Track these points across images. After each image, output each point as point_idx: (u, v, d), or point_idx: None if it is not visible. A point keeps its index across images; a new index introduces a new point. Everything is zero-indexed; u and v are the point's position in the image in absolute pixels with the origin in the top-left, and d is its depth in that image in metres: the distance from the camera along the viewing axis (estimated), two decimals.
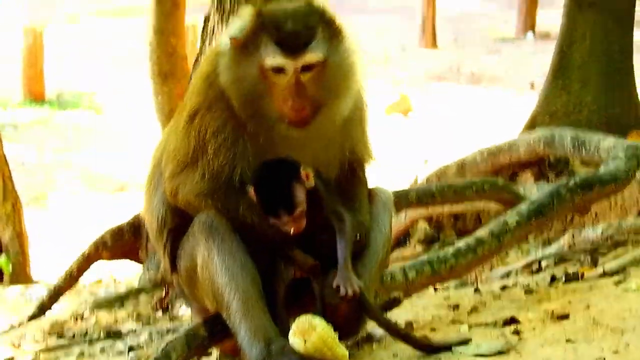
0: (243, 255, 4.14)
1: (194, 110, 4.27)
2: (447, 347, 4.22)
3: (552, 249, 6.34)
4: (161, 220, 4.48)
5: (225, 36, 4.30)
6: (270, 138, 4.23)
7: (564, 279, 5.23)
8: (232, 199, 4.20)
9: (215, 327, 4.30)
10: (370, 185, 4.52)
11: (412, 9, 26.92)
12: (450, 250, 4.89)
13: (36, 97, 21.21)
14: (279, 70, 4.07)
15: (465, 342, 4.24)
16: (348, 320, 4.19)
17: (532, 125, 9.62)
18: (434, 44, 25.84)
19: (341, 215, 4.21)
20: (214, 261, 4.13)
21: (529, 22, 26.17)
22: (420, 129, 19.79)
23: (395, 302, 4.67)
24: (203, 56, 6.72)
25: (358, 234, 4.25)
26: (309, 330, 3.98)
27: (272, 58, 4.06)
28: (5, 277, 10.26)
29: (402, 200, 5.68)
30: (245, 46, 4.13)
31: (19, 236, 10.56)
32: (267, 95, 4.14)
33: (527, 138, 7.57)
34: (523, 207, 5.02)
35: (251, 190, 4.13)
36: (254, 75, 4.12)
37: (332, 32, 4.18)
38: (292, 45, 4.06)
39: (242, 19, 4.21)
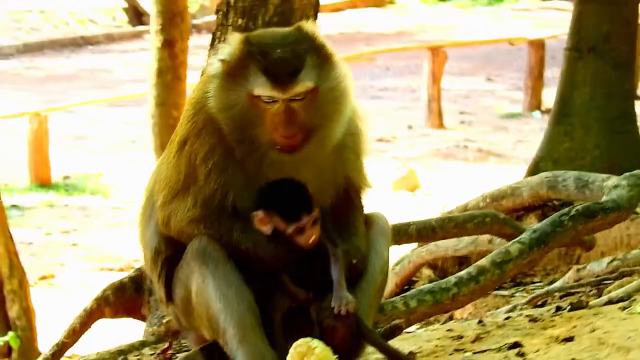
0: (238, 281, 4.09)
1: (184, 138, 4.26)
2: None
3: (557, 284, 6.28)
4: (155, 251, 4.42)
5: (214, 62, 4.29)
6: (261, 163, 4.19)
7: (569, 308, 5.16)
8: (225, 225, 4.16)
9: (212, 354, 4.25)
10: (367, 211, 4.48)
11: (418, 90, 27.03)
12: (452, 279, 4.84)
13: (42, 182, 21.20)
14: (269, 100, 4.06)
15: None
16: (346, 344, 4.11)
17: (534, 171, 9.59)
18: (440, 124, 25.85)
19: (334, 241, 4.19)
20: (208, 288, 4.07)
21: (535, 101, 26.25)
22: (427, 205, 19.69)
23: (396, 330, 4.60)
24: None
25: (354, 259, 4.21)
26: (307, 353, 3.92)
27: (261, 89, 4.04)
28: (14, 354, 10.29)
29: (402, 233, 5.64)
30: (233, 73, 4.11)
31: (27, 312, 10.57)
32: (257, 122, 4.11)
33: (530, 181, 7.49)
34: (525, 235, 4.96)
35: (259, 213, 4.12)
36: (243, 103, 4.10)
37: (322, 58, 4.15)
38: (281, 75, 4.03)
39: (230, 45, 4.20)
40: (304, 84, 4.05)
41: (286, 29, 4.27)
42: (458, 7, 39.36)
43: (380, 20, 37.23)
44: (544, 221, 5.06)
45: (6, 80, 23.54)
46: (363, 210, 4.45)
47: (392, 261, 5.24)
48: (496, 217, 5.74)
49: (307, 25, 4.21)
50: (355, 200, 4.42)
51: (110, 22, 21.41)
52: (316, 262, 4.16)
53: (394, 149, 23.92)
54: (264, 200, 4.13)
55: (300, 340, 3.97)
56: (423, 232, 5.66)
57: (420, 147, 24.61)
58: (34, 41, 20.21)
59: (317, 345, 3.93)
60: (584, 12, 9.14)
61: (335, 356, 3.98)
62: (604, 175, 6.34)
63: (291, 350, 3.96)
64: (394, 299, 4.78)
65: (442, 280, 4.88)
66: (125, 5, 24.62)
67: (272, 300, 4.20)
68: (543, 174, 7.59)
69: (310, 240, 4.09)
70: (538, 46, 25.28)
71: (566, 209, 5.08)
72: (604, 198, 5.29)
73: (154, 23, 13.69)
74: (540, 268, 7.81)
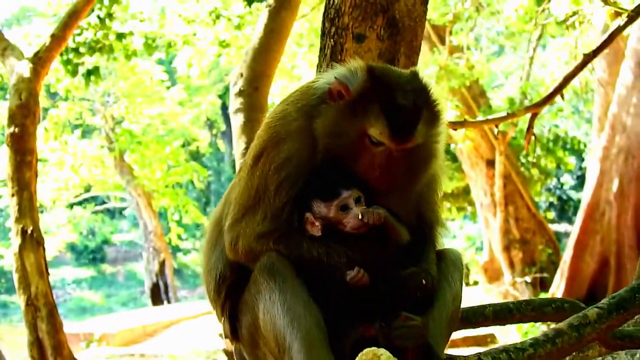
0: (306, 297, 4.03)
1: (260, 150, 4.27)
2: None
3: None
4: (220, 278, 4.40)
5: (327, 79, 4.30)
6: None
7: None
8: (294, 238, 4.13)
9: None
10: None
11: None
12: (528, 340, 4.69)
13: None
14: (378, 143, 4.11)
15: None
16: None
17: None
18: None
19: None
20: (275, 303, 4.01)
21: None
22: None
23: None
24: None
25: (424, 280, 4.14)
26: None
27: (378, 132, 4.08)
28: None
29: (478, 315, 5.50)
30: (353, 104, 4.12)
31: None
32: (357, 155, 4.13)
33: None
34: (604, 301, 4.83)
35: (307, 214, 4.15)
36: (352, 136, 4.11)
37: (433, 115, 4.21)
38: (401, 126, 4.06)
39: (352, 72, 4.21)
40: (416, 140, 4.12)
41: (405, 73, 4.29)
42: None
43: None
44: (624, 288, 4.93)
45: None
46: (435, 245, 4.42)
47: None
48: (576, 305, 5.58)
49: (422, 73, 4.28)
50: (428, 234, 4.40)
51: None
52: (388, 281, 4.12)
53: None
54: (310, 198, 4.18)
55: (366, 350, 3.88)
56: (500, 315, 5.52)
57: None
58: None
59: (383, 353, 3.84)
60: None
61: None
62: None
63: (357, 359, 3.86)
64: (467, 355, 4.63)
65: (519, 342, 4.72)
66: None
67: (343, 328, 4.13)
68: None
69: (359, 219, 4.06)
70: None
71: None
72: None
73: None
74: None
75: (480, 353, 4.64)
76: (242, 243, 4.20)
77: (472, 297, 22.64)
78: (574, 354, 6.16)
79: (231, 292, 4.35)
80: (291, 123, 4.24)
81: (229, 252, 4.30)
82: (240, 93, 12.77)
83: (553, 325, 4.88)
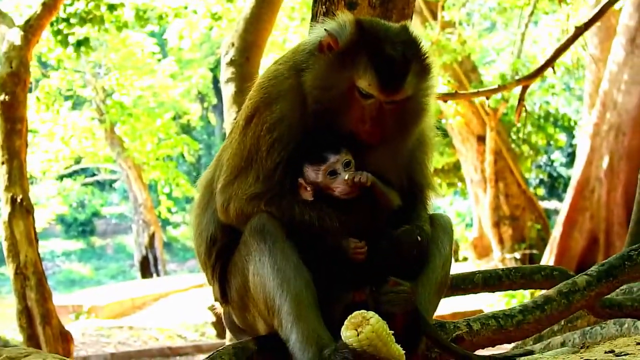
0: (296, 259, 4.00)
1: (252, 110, 4.24)
2: (511, 357, 4.00)
3: None
4: (210, 240, 4.35)
5: (318, 32, 4.27)
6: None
7: None
8: (286, 199, 4.10)
9: (265, 343, 4.14)
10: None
11: None
12: (517, 307, 4.70)
13: None
14: (368, 95, 4.08)
15: (529, 353, 4.01)
16: (404, 333, 4.00)
17: None
18: None
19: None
20: (265, 264, 3.97)
21: None
22: None
23: (459, 341, 4.44)
24: None
25: (419, 237, 4.13)
26: (362, 323, 3.82)
27: (368, 85, 4.04)
28: None
29: (468, 282, 5.52)
30: (342, 56, 4.09)
31: None
32: (346, 108, 4.10)
33: None
34: (593, 268, 4.85)
35: (299, 180, 4.13)
36: (342, 88, 4.08)
37: (423, 67, 4.18)
38: (390, 79, 4.03)
39: (342, 25, 4.17)
40: (405, 92, 4.09)
41: (395, 26, 4.26)
42: None
43: None
44: (613, 255, 4.93)
45: None
46: (427, 207, 4.39)
47: None
48: (565, 273, 5.59)
49: (414, 27, 4.24)
50: (419, 196, 4.38)
51: (199, 337, 21.75)
52: (378, 246, 4.11)
53: None
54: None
55: (356, 312, 3.87)
56: (489, 281, 5.54)
57: None
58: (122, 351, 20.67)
59: (372, 316, 3.83)
60: None
61: (391, 332, 3.86)
62: None
63: (346, 322, 3.86)
64: (457, 320, 4.64)
65: (508, 308, 4.73)
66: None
67: (333, 292, 4.12)
68: None
69: (347, 184, 4.04)
70: None
71: (636, 245, 4.95)
72: None
73: None
74: None
75: (469, 319, 4.66)
76: (234, 205, 4.16)
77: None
78: (563, 324, 6.19)
79: (222, 254, 4.31)
80: (283, 82, 4.21)
81: (220, 215, 4.26)
82: (231, 62, 12.74)
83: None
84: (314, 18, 5.75)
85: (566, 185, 29.35)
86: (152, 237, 35.91)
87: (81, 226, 45.61)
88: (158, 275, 35.64)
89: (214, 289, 4.40)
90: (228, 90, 12.61)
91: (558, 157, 38.76)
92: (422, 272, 4.22)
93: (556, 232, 22.83)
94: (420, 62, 4.16)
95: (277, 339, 4.03)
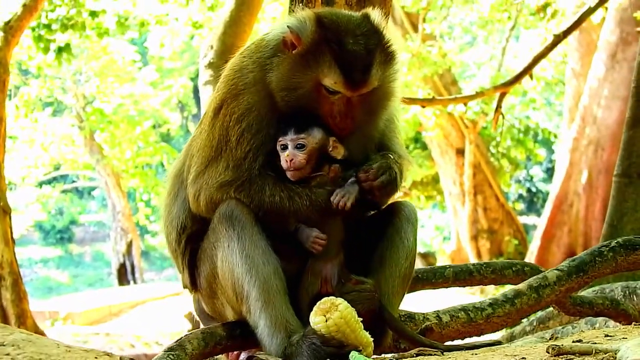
0: (265, 245, 4.01)
1: (220, 102, 4.26)
2: (478, 347, 4.01)
3: None
4: (180, 227, 4.36)
5: (279, 29, 4.26)
6: None
7: None
8: (256, 184, 4.09)
9: (234, 329, 4.14)
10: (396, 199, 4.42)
11: None
12: (487, 300, 4.71)
13: None
14: (334, 91, 4.08)
15: (497, 343, 4.02)
16: (369, 330, 3.98)
17: None
18: None
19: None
20: (234, 251, 3.98)
21: None
22: None
23: (427, 332, 4.45)
24: None
25: (394, 164, 4.17)
26: (330, 309, 3.82)
27: (334, 83, 4.04)
28: None
29: (439, 276, 5.52)
30: (305, 55, 4.08)
31: None
32: (314, 104, 4.12)
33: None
34: (564, 263, 4.87)
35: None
36: (308, 87, 4.09)
37: (387, 55, 4.17)
38: (354, 73, 4.02)
39: (302, 22, 4.15)
40: (372, 84, 4.09)
41: (356, 16, 4.23)
42: None
43: None
44: (585, 251, 4.95)
45: None
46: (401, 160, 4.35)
47: None
48: (537, 269, 5.62)
49: (374, 15, 4.22)
50: (391, 148, 4.39)
51: None
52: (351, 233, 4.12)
53: None
54: None
55: (324, 299, 3.87)
56: (460, 276, 5.55)
57: None
58: None
59: (341, 302, 3.83)
60: (635, 137, 8.98)
61: (360, 319, 3.86)
62: None
63: (315, 307, 3.86)
64: (427, 311, 4.64)
65: (478, 301, 4.74)
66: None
67: (301, 285, 4.13)
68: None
69: (287, 160, 4.06)
70: None
71: (607, 242, 4.97)
72: None
73: None
74: None
75: (438, 311, 4.66)
76: (204, 194, 4.16)
77: None
78: (536, 324, 6.20)
79: (191, 241, 4.31)
80: (248, 75, 4.21)
81: (192, 205, 4.26)
82: (210, 65, 12.75)
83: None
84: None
85: (545, 200, 29.43)
86: (129, 245, 35.78)
87: (59, 233, 45.38)
88: (135, 283, 35.50)
89: (184, 276, 4.40)
90: (206, 93, 12.61)
91: (537, 172, 38.85)
92: (385, 264, 4.22)
93: (534, 246, 22.88)
94: (383, 50, 4.17)
95: (246, 325, 4.03)
